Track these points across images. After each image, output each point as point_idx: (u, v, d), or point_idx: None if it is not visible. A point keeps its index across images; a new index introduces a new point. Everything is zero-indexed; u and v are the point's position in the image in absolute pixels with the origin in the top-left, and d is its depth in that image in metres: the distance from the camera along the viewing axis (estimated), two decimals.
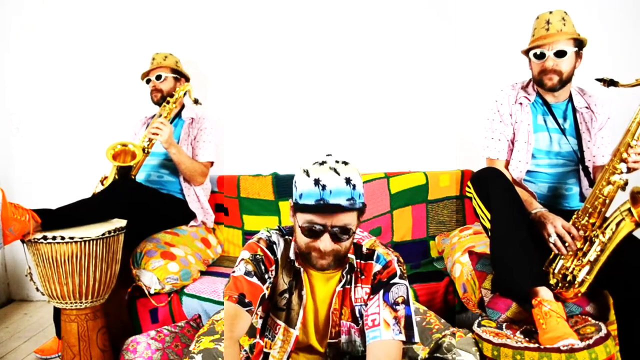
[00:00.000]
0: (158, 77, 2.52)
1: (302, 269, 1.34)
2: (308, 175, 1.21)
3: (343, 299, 1.35)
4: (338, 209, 1.19)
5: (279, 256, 1.36)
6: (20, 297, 3.10)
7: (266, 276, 1.30)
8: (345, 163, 1.24)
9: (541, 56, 1.87)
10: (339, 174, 1.20)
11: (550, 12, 1.88)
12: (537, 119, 1.99)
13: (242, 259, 1.30)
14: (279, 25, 2.87)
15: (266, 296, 1.30)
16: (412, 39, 2.81)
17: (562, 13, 1.87)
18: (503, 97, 2.02)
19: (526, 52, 1.95)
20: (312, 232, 1.23)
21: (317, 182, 1.19)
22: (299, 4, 2.85)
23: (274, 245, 1.36)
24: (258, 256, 1.31)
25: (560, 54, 1.84)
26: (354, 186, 1.20)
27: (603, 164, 1.93)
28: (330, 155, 1.29)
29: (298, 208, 1.24)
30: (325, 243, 1.22)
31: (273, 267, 1.33)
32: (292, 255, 1.34)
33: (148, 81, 2.56)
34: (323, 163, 1.23)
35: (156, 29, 2.91)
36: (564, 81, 1.89)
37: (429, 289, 2.11)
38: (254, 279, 1.27)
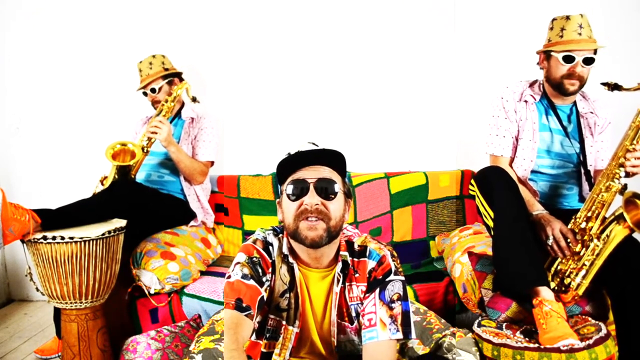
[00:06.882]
0: (153, 90, 2.47)
1: (295, 265, 1.32)
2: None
3: (339, 298, 1.33)
4: (319, 153, 1.26)
5: (275, 257, 1.33)
6: (20, 297, 3.09)
7: (264, 279, 1.28)
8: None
9: (571, 60, 1.84)
10: (316, 145, 1.29)
11: (581, 16, 1.86)
12: (542, 118, 1.99)
13: (238, 262, 1.28)
14: (279, 25, 2.87)
15: (264, 299, 1.28)
16: (412, 39, 2.81)
17: (587, 19, 1.87)
18: (508, 94, 2.02)
19: (547, 52, 1.92)
20: (297, 190, 1.23)
21: (296, 152, 1.27)
22: (298, 3, 2.85)
23: (270, 247, 1.34)
24: (255, 258, 1.29)
25: (588, 61, 1.83)
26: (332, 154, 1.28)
27: (602, 168, 1.92)
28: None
29: (282, 179, 1.28)
30: (311, 197, 1.22)
31: (270, 270, 1.31)
32: (285, 250, 1.32)
33: (145, 93, 2.51)
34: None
35: (155, 29, 2.91)
36: (581, 87, 1.90)
37: (429, 289, 2.11)
38: (252, 282, 1.24)
